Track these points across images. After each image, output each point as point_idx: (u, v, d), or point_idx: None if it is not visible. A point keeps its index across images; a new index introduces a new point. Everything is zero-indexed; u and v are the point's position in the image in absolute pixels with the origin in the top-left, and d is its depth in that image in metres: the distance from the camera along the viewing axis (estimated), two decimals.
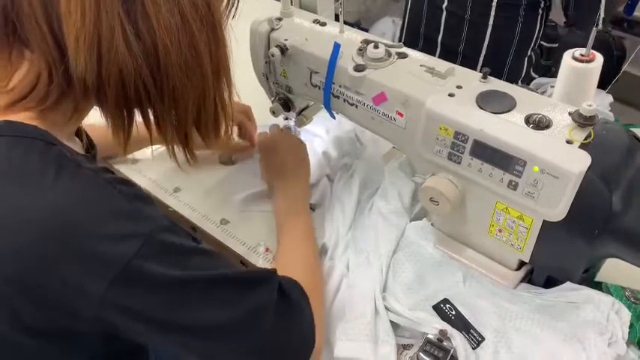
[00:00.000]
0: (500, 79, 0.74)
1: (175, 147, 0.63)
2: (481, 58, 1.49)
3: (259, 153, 0.97)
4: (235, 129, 1.03)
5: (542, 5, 1.43)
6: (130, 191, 0.56)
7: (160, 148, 0.87)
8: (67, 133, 0.62)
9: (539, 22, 1.46)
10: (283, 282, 0.65)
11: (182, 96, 0.57)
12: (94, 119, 0.62)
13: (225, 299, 0.58)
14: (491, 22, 1.42)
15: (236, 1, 0.65)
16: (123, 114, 0.57)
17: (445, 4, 1.46)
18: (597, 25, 1.33)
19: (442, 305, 0.75)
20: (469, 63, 1.47)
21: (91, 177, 0.54)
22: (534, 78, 1.54)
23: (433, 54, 1.52)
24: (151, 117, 0.59)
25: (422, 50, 0.81)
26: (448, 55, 1.51)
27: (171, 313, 0.56)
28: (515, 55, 1.48)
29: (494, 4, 1.39)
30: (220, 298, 0.58)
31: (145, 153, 1.01)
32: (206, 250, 0.61)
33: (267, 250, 0.87)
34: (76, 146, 0.66)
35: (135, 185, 0.59)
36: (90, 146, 0.72)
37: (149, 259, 0.53)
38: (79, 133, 0.70)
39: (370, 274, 0.79)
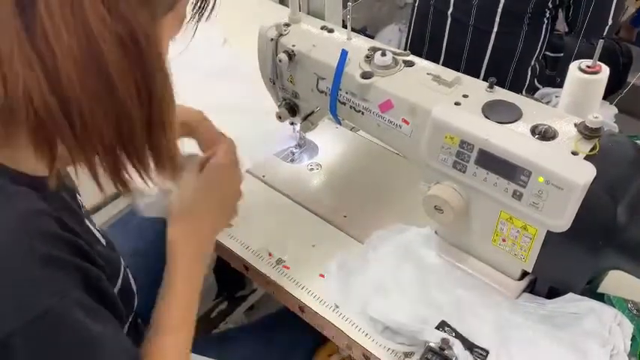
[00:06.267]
0: (502, 87, 0.75)
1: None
2: (484, 66, 1.49)
3: (204, 174, 0.74)
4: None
5: (547, 15, 1.43)
6: (48, 252, 0.49)
7: None
8: (17, 151, 0.54)
9: (543, 32, 1.46)
10: None
11: (94, 125, 0.49)
12: None
13: None
14: (495, 29, 1.43)
15: (211, 2, 0.59)
16: (40, 139, 0.50)
17: (450, 10, 1.46)
18: (605, 34, 1.34)
19: (440, 329, 0.73)
20: (472, 70, 1.48)
21: (10, 226, 0.48)
22: (538, 88, 1.55)
23: (437, 60, 1.53)
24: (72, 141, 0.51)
25: (426, 56, 0.82)
26: (452, 61, 1.51)
27: None
28: (518, 64, 1.49)
29: (498, 11, 1.40)
30: None
31: None
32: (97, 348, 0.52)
33: (270, 255, 0.88)
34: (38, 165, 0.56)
35: (65, 240, 0.52)
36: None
37: (29, 341, 0.47)
38: None
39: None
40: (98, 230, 0.68)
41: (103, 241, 0.66)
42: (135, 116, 0.51)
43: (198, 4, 0.59)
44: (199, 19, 0.60)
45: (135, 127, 0.52)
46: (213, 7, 0.59)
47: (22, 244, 0.48)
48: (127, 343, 0.57)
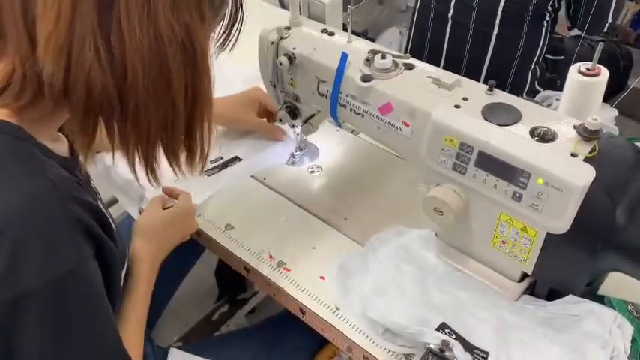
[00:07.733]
0: (503, 90, 0.75)
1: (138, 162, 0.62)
2: (484, 69, 1.50)
3: (172, 211, 0.90)
4: None
5: (547, 18, 1.44)
6: (77, 215, 0.55)
7: None
8: (48, 131, 0.61)
9: (543, 34, 1.47)
10: None
11: (145, 116, 0.56)
12: None
13: None
14: (495, 31, 1.43)
15: (235, 35, 0.65)
16: (87, 120, 0.56)
17: (451, 12, 1.47)
18: (604, 29, 1.35)
19: (440, 331, 0.73)
20: (473, 73, 1.48)
21: (45, 187, 0.54)
22: (539, 91, 1.55)
23: (438, 63, 1.53)
24: (115, 129, 0.58)
25: (427, 59, 0.82)
26: (453, 64, 1.52)
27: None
28: (519, 67, 1.49)
29: (498, 13, 1.40)
30: None
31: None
32: (103, 318, 0.60)
33: (271, 257, 0.88)
34: (62, 145, 0.65)
35: (91, 209, 0.58)
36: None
37: (44, 301, 0.53)
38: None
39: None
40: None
41: (113, 226, 0.68)
42: (180, 110, 0.58)
43: (222, 38, 0.65)
44: (222, 50, 0.67)
45: (178, 121, 0.59)
46: (236, 40, 0.66)
47: (57, 205, 0.54)
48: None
